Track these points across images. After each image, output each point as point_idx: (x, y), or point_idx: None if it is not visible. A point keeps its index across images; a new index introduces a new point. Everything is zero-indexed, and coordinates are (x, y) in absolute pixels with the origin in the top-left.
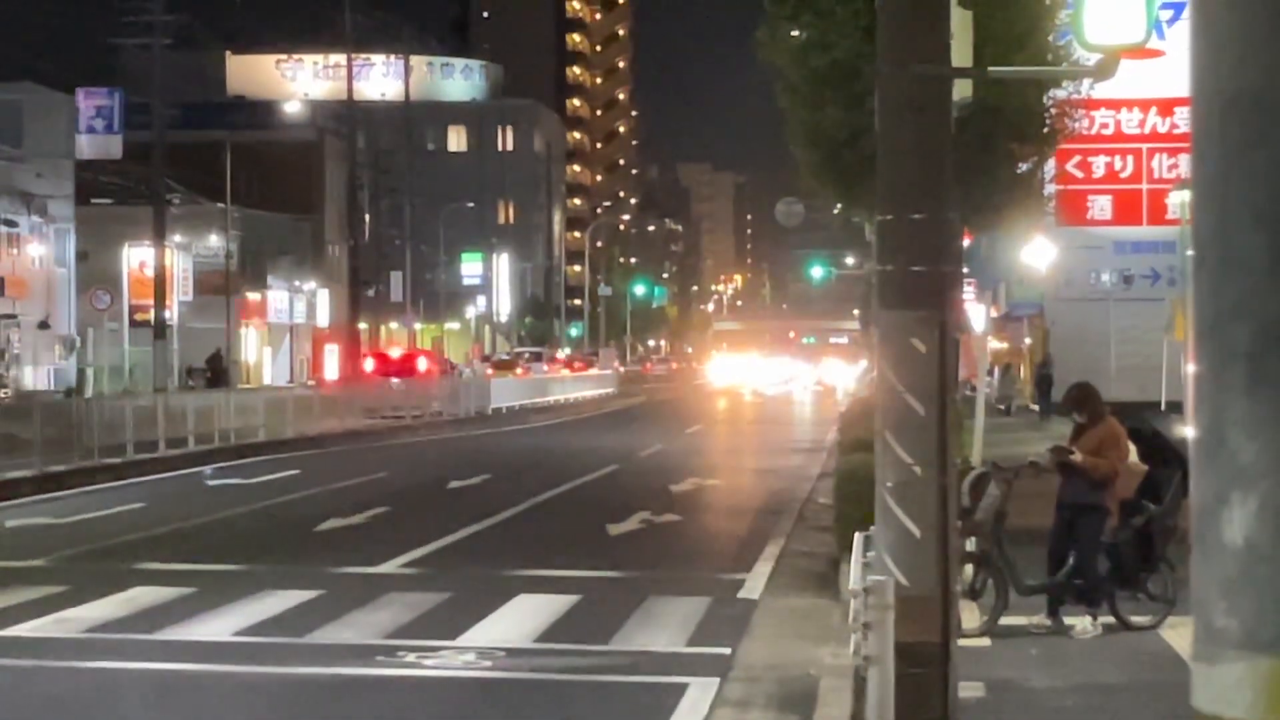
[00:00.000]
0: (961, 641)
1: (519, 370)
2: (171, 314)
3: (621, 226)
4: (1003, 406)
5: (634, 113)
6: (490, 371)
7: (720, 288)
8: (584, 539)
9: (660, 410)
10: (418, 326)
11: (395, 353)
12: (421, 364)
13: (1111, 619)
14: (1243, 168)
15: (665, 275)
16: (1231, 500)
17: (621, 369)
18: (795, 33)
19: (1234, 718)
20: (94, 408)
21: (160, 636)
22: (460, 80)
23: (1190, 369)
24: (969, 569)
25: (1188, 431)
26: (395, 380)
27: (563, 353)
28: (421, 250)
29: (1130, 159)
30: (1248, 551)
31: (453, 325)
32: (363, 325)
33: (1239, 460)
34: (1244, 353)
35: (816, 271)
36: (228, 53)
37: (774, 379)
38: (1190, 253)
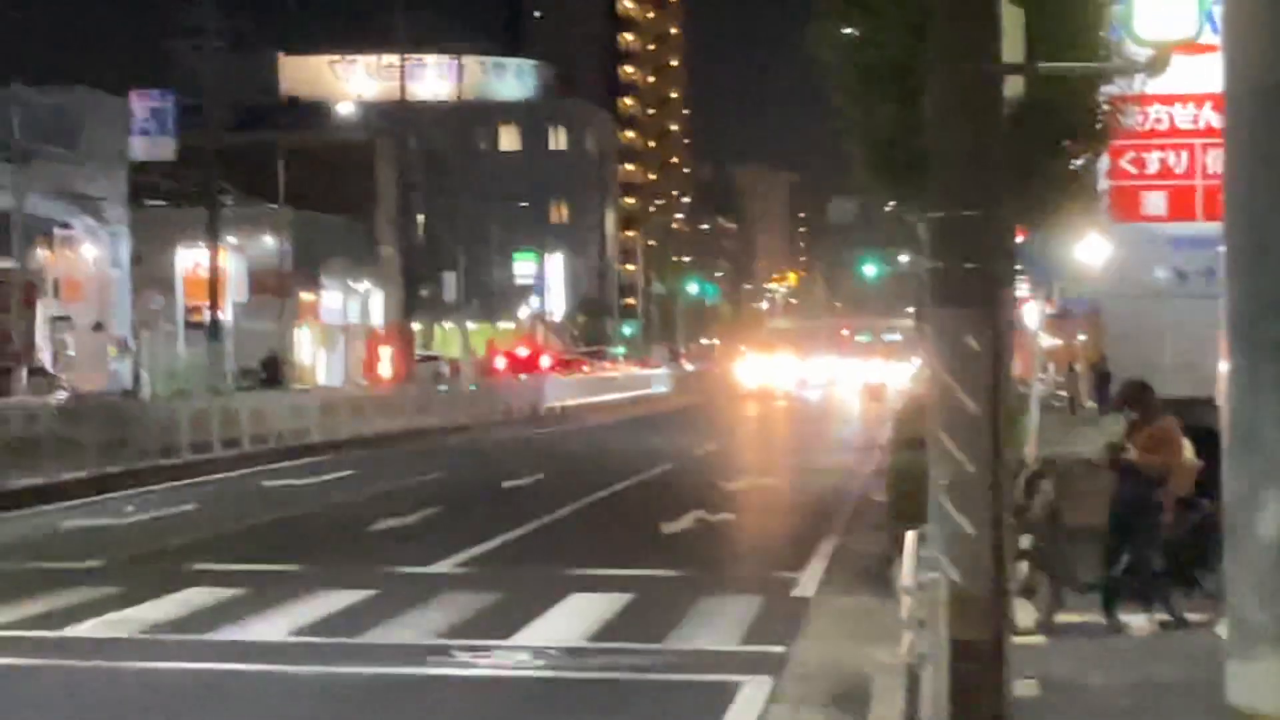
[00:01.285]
0: (1016, 639)
1: (586, 369)
2: (225, 315)
3: (674, 225)
4: (1059, 404)
5: (686, 111)
6: (558, 369)
7: (774, 286)
8: (638, 538)
9: (713, 410)
10: (471, 326)
11: (522, 351)
12: (544, 361)
13: (1167, 616)
14: (1275, 162)
15: (718, 274)
16: (1265, 496)
17: (689, 366)
18: (846, 30)
19: (1269, 713)
20: (149, 409)
21: (215, 637)
22: (512, 80)
23: (1224, 365)
24: (1023, 566)
25: None
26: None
27: (618, 351)
28: (474, 250)
29: (1184, 154)
30: None
31: (506, 325)
32: (416, 325)
33: (1272, 455)
34: (1277, 348)
35: (870, 269)
36: (280, 54)
37: (816, 380)
38: (1221, 248)
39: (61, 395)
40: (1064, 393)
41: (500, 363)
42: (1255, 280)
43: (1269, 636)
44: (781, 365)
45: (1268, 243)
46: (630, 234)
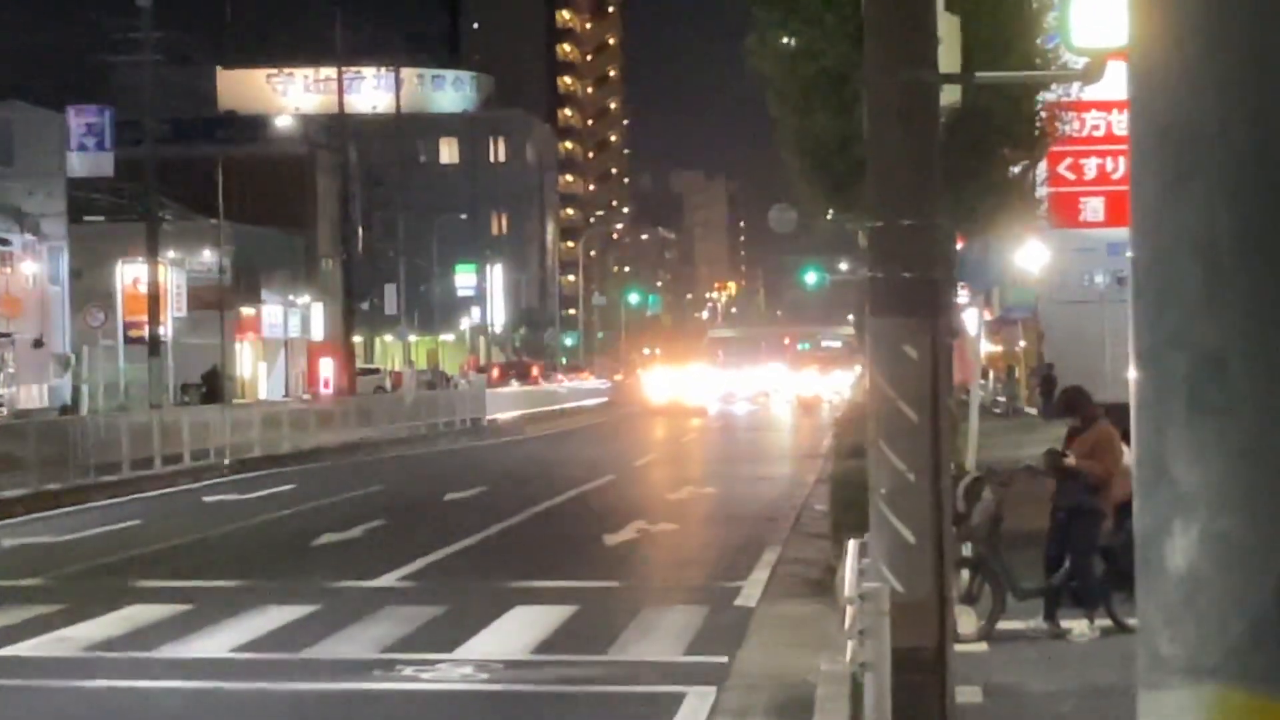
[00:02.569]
0: (958, 647)
1: (540, 380)
2: (166, 330)
3: (615, 235)
4: (999, 410)
5: (625, 121)
6: (513, 381)
7: (715, 295)
8: (580, 549)
9: (654, 419)
10: (412, 339)
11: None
12: (534, 371)
13: (1108, 621)
14: (1177, 198)
15: (659, 283)
16: (1173, 528)
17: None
18: (785, 40)
19: None
20: (89, 425)
21: (157, 654)
22: (451, 92)
23: (1132, 398)
24: (965, 574)
25: None
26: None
27: (561, 362)
28: (415, 262)
29: (1122, 160)
30: (1190, 579)
31: (447, 337)
32: (357, 338)
33: (1179, 488)
34: (1182, 381)
35: (810, 278)
36: (218, 68)
37: (744, 392)
38: (1124, 274)
39: (1, 412)
40: (1003, 398)
41: (494, 374)
42: (1160, 314)
43: (1180, 669)
44: (695, 378)
45: (1172, 277)
46: (571, 245)
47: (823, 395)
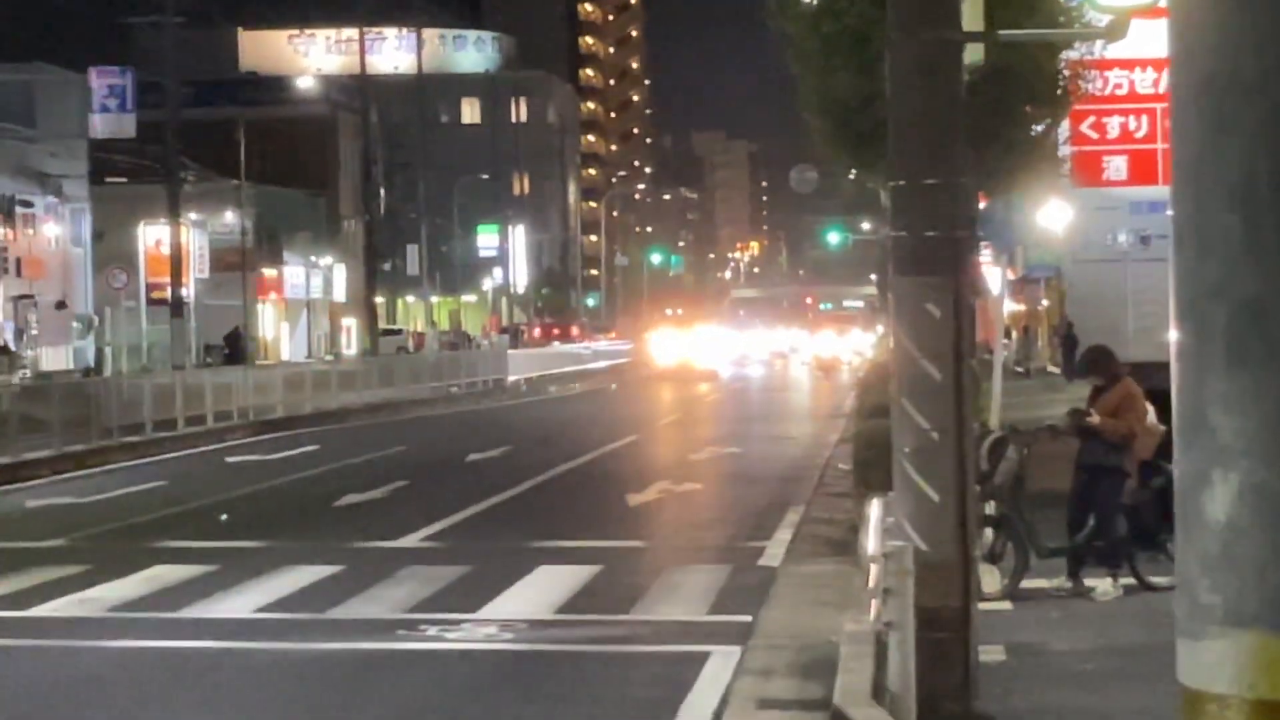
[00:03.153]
0: (982, 605)
1: (577, 338)
2: (188, 291)
3: (636, 196)
4: (1021, 369)
5: (647, 81)
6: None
7: (737, 255)
8: (604, 509)
9: (676, 379)
10: (434, 299)
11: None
12: (574, 330)
13: (1132, 580)
14: (1218, 150)
15: (681, 244)
16: (1212, 478)
17: None
18: None
19: (1219, 692)
20: (112, 387)
21: (182, 614)
22: (473, 52)
23: (1172, 349)
24: (988, 533)
25: None
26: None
27: (599, 320)
28: (437, 223)
29: (1145, 119)
30: (1229, 529)
31: (469, 298)
32: (379, 299)
33: (1219, 439)
34: (1222, 332)
35: (833, 237)
36: (239, 29)
37: (759, 354)
38: (1147, 233)
39: (24, 374)
40: (1026, 356)
41: (537, 334)
42: (1200, 264)
43: (1219, 618)
44: (707, 339)
45: (1212, 228)
46: (593, 205)
47: (842, 356)
